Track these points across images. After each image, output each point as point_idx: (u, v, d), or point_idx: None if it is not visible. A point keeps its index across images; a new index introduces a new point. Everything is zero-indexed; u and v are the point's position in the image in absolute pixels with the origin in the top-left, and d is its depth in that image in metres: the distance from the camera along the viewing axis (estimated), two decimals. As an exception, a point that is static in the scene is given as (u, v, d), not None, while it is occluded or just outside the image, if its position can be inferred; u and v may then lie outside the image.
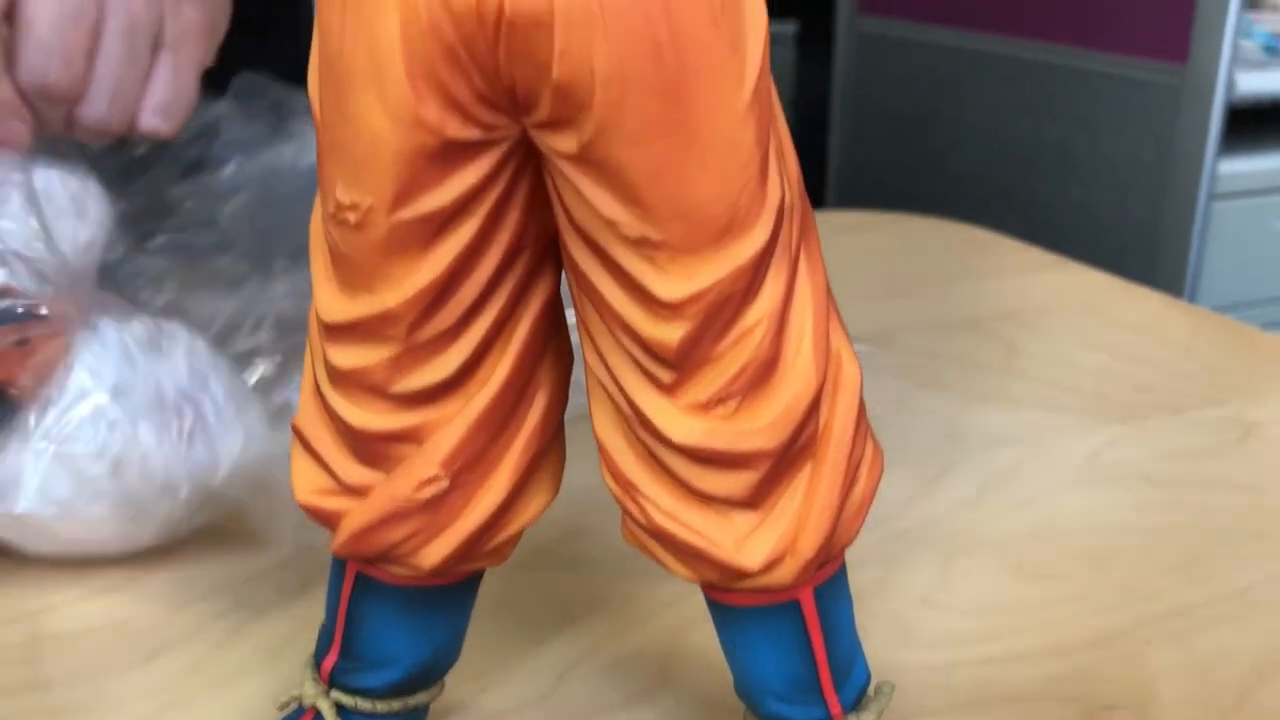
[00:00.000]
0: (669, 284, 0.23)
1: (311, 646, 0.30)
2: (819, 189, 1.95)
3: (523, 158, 0.24)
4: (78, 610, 0.37)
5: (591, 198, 0.23)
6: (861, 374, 0.25)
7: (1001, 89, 1.59)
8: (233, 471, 0.38)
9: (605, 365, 0.25)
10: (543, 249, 0.25)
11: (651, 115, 0.21)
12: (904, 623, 0.36)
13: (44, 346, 0.37)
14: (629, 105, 0.21)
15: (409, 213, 0.23)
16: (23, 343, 0.36)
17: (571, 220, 0.24)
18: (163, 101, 0.45)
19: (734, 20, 0.22)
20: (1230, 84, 1.36)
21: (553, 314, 0.26)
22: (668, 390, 0.24)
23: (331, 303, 0.25)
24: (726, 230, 0.23)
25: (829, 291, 0.25)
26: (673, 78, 0.21)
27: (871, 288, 0.65)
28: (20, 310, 0.37)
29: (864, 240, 0.73)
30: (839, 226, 0.76)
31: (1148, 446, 0.47)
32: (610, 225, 0.23)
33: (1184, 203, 1.41)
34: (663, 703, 0.33)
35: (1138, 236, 1.46)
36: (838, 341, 0.25)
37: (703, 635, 0.35)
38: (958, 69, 1.65)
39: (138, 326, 0.39)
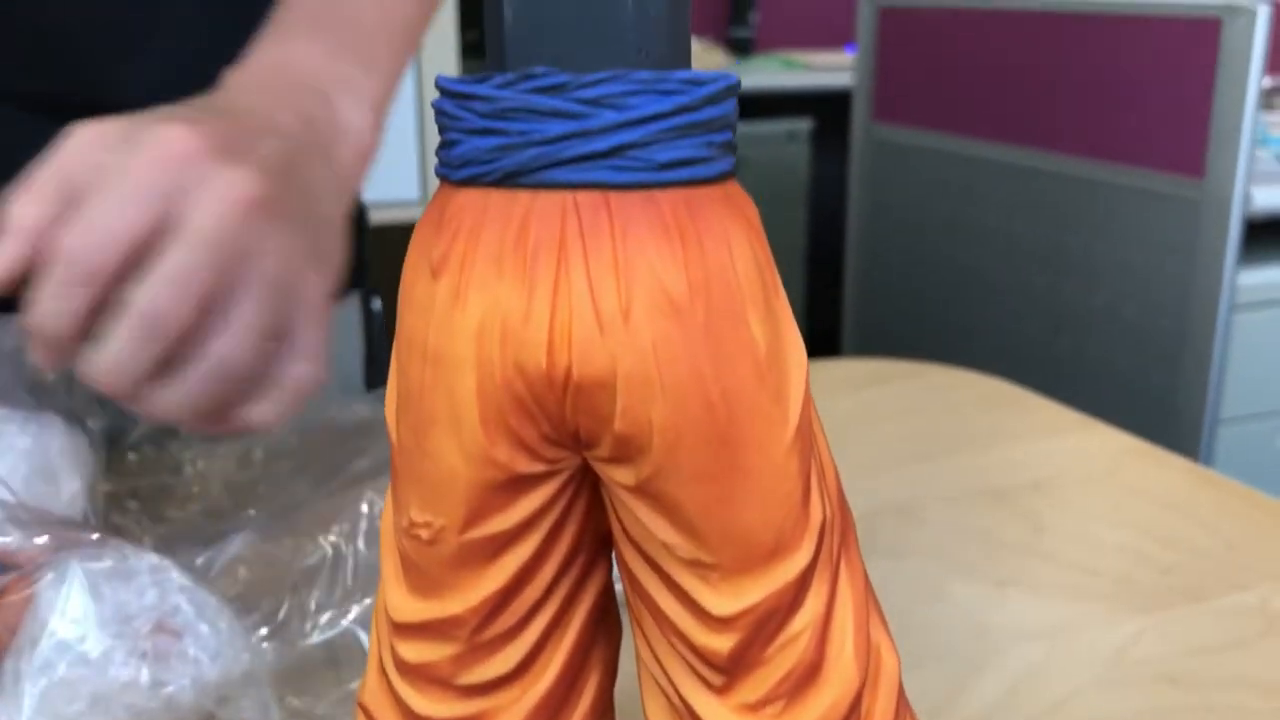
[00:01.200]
0: (720, 600, 0.25)
1: None
2: (835, 290, 1.98)
3: (580, 479, 0.26)
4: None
5: (648, 522, 0.25)
6: (899, 664, 0.27)
7: (1018, 197, 1.62)
8: (207, 685, 0.39)
9: (659, 663, 0.27)
10: (595, 550, 0.27)
11: (704, 459, 0.24)
12: None
13: (14, 594, 0.39)
14: (683, 451, 0.23)
15: (477, 533, 0.25)
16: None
17: (628, 535, 0.26)
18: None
19: (777, 372, 0.24)
20: (1247, 199, 1.39)
21: (604, 603, 0.28)
22: (719, 691, 0.26)
23: (402, 604, 0.27)
24: (774, 553, 0.25)
25: (869, 589, 0.27)
26: (723, 427, 0.23)
27: (898, 451, 0.66)
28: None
29: (887, 395, 0.75)
30: (861, 379, 0.78)
31: (1172, 643, 0.48)
32: (665, 547, 0.25)
33: (1206, 313, 1.43)
34: None
35: (1162, 345, 1.48)
36: (877, 636, 0.27)
37: None
38: (973, 176, 1.69)
39: (105, 559, 0.40)
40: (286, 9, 0.50)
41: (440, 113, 0.24)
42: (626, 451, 0.24)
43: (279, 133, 0.42)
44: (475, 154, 0.23)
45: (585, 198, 0.23)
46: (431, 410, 0.24)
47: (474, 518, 0.25)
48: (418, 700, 0.28)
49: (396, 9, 0.53)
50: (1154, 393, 1.49)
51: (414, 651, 0.27)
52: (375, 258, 0.87)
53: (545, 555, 0.26)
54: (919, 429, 0.70)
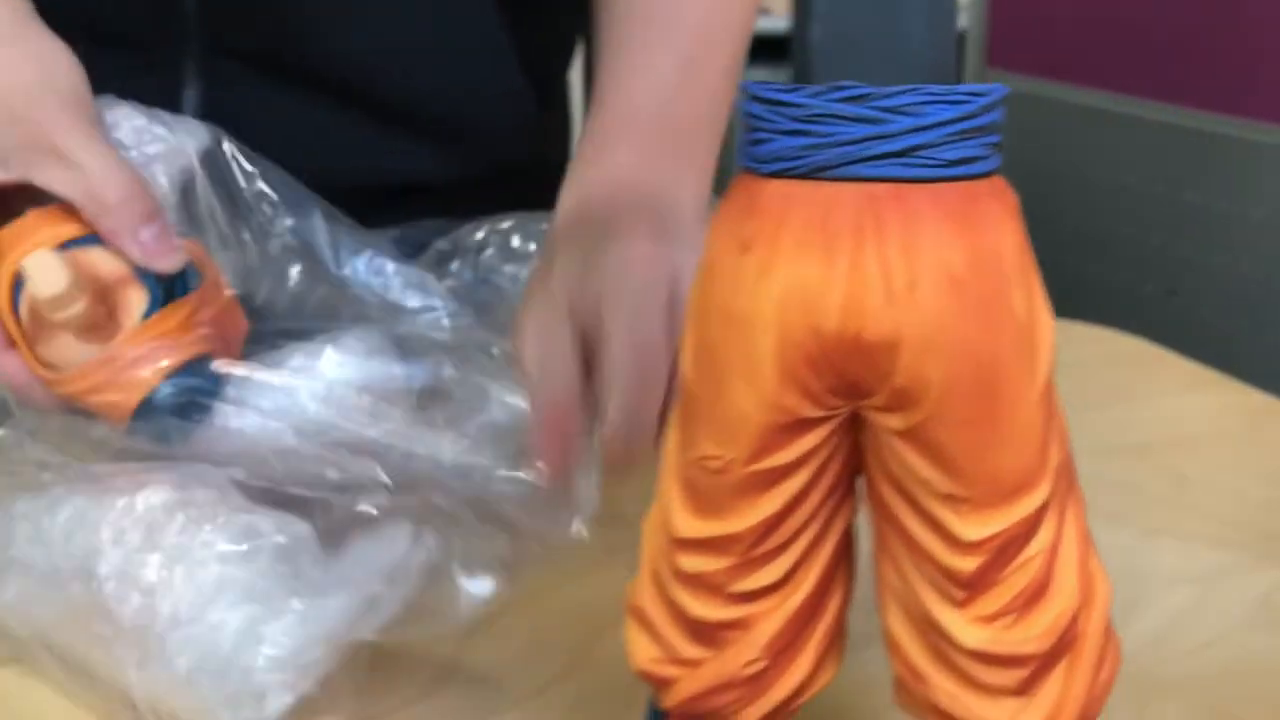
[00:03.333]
0: (968, 529, 0.30)
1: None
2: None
3: (848, 424, 0.31)
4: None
5: (910, 462, 0.30)
6: (1111, 591, 0.32)
7: (1135, 151, 1.63)
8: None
9: (903, 579, 0.32)
10: (849, 485, 0.33)
11: (969, 410, 0.29)
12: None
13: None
14: (952, 402, 0.29)
15: (760, 466, 0.31)
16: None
17: (887, 471, 0.31)
18: None
19: (1031, 338, 0.29)
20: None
21: (849, 533, 0.34)
22: (959, 605, 0.31)
23: (685, 522, 0.33)
24: (1017, 490, 0.30)
25: (1086, 527, 0.32)
26: (986, 384, 0.28)
27: (1038, 404, 0.71)
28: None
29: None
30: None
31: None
32: (923, 482, 0.30)
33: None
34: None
35: (1280, 307, 1.49)
36: (1094, 565, 0.32)
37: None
38: (1088, 128, 1.69)
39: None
40: (604, 113, 0.53)
41: (751, 115, 0.29)
42: (901, 402, 0.29)
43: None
44: (785, 151, 0.28)
45: (881, 189, 0.28)
46: (730, 363, 0.30)
47: (759, 453, 0.31)
48: (693, 605, 0.33)
49: (715, 88, 0.55)
50: (1273, 352, 1.50)
51: (693, 563, 0.33)
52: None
53: (813, 486, 0.32)
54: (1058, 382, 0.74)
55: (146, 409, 0.44)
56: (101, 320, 0.45)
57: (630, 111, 0.53)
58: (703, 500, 0.32)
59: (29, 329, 0.46)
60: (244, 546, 0.38)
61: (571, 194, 0.51)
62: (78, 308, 0.44)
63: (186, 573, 0.37)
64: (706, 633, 0.34)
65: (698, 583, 0.33)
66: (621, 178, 0.51)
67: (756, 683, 0.34)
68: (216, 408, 0.43)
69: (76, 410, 0.46)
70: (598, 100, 0.54)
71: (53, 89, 0.48)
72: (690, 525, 0.33)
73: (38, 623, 0.41)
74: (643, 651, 0.35)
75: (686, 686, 0.34)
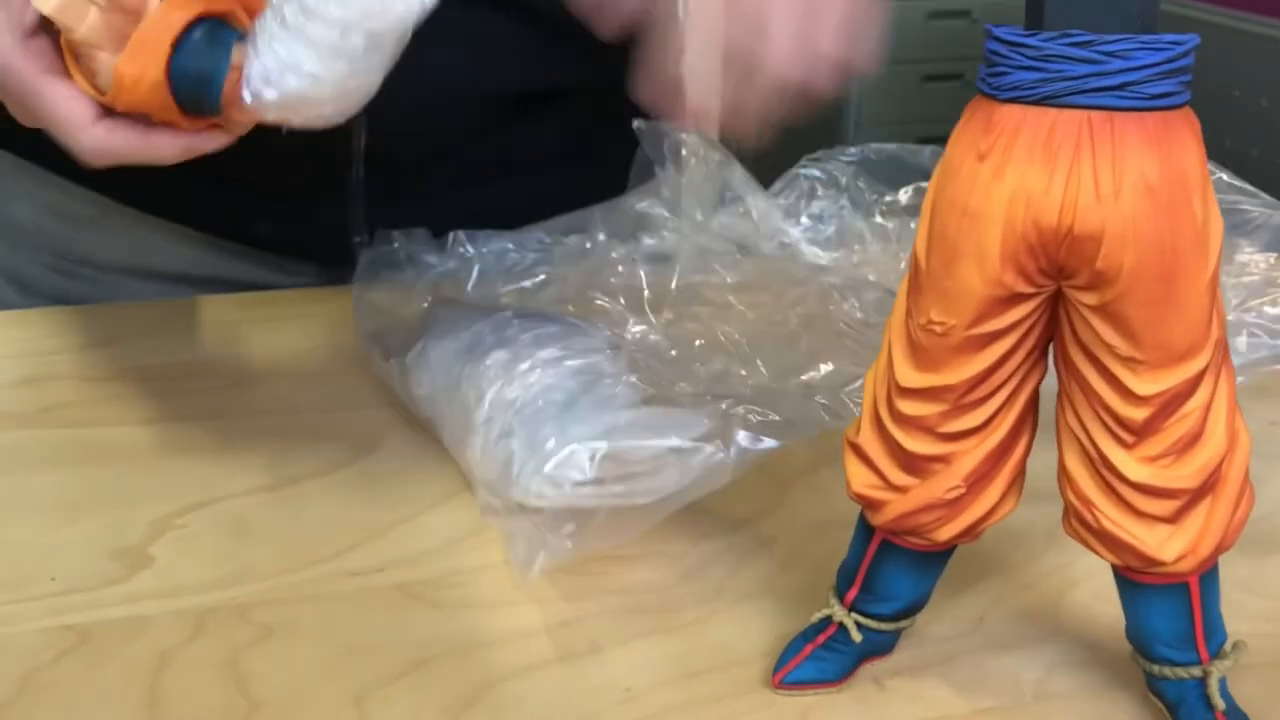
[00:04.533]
0: (1142, 385, 0.39)
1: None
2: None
3: (1051, 300, 0.40)
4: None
5: (1099, 330, 0.38)
6: (1250, 443, 0.41)
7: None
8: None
9: (1081, 424, 0.41)
10: (1042, 351, 0.41)
11: (1153, 290, 0.37)
12: (1230, 604, 0.51)
13: None
14: (1139, 284, 0.37)
15: (976, 331, 0.40)
16: None
17: (1077, 338, 0.40)
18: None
19: (1205, 235, 0.37)
20: None
21: (1036, 391, 0.42)
22: (1128, 447, 0.40)
23: (908, 374, 0.42)
24: (1184, 356, 0.38)
25: (1235, 391, 0.40)
26: (1169, 269, 0.37)
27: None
28: None
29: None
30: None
31: None
32: (1108, 347, 0.39)
33: None
34: (1060, 642, 0.49)
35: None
36: (1239, 422, 0.40)
37: (1080, 596, 0.51)
38: (1255, 54, 1.68)
39: None
40: None
41: (992, 52, 0.37)
42: (1098, 283, 0.37)
43: None
44: (1020, 82, 0.36)
45: (1096, 115, 0.36)
46: (960, 248, 0.38)
47: (978, 320, 0.39)
48: (908, 441, 0.42)
49: None
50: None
51: (911, 408, 0.42)
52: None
53: (1017, 348, 0.40)
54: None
55: (179, 57, 0.47)
56: (129, 28, 0.46)
57: None
58: (924, 357, 0.41)
59: (76, 66, 0.48)
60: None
61: None
62: (91, 18, 0.46)
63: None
64: (916, 464, 0.43)
65: (913, 424, 0.42)
66: None
67: (954, 506, 0.43)
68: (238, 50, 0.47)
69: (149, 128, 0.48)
70: None
71: None
72: (912, 377, 0.42)
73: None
74: (860, 478, 0.44)
75: (896, 507, 0.43)
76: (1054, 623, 0.50)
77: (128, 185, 0.74)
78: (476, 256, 0.67)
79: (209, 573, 0.52)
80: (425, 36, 0.47)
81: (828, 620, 0.47)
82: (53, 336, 0.72)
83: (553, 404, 0.50)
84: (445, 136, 0.75)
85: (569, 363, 0.52)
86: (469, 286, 0.67)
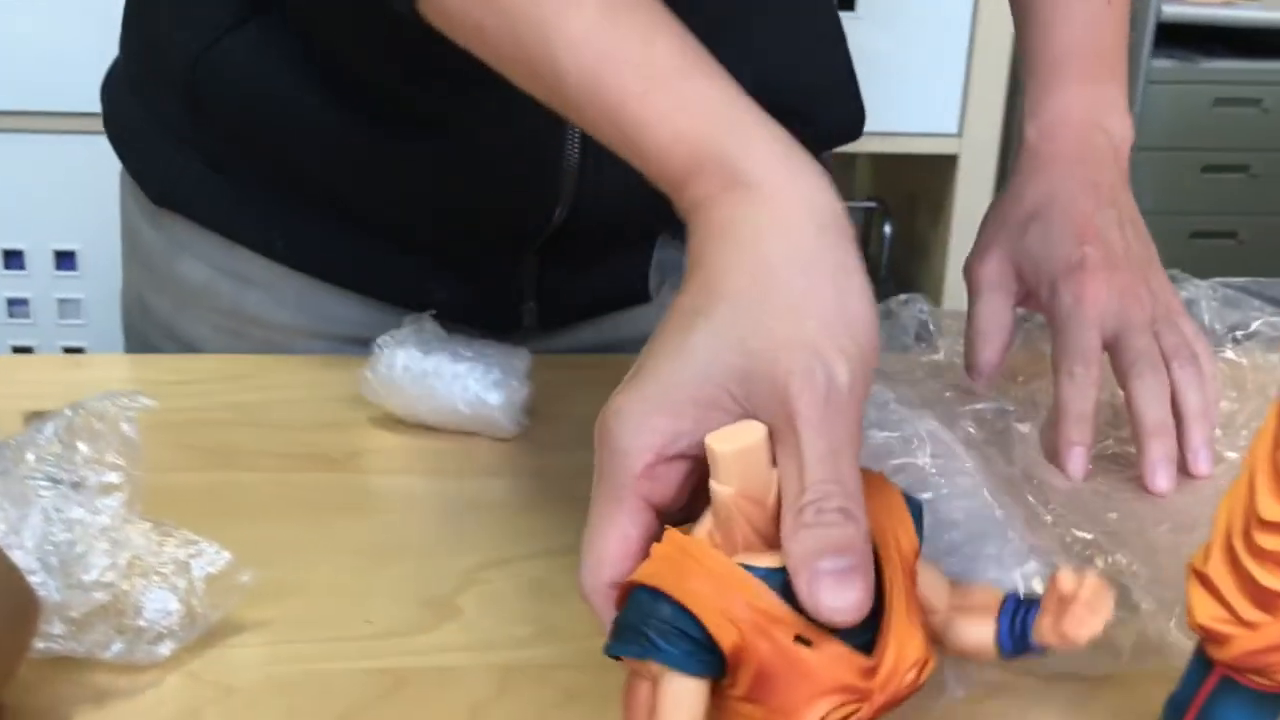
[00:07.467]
0: None
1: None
2: None
3: None
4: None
5: None
6: None
7: None
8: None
9: None
10: None
11: None
12: None
13: None
14: None
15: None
16: None
17: None
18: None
19: None
20: None
21: None
22: None
23: (1271, 508, 0.41)
24: None
25: None
26: None
27: None
28: None
29: None
30: None
31: None
32: None
33: None
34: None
35: None
36: None
37: None
38: None
39: None
40: (1043, 48, 0.65)
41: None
42: None
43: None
44: None
45: None
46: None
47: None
48: (1264, 576, 0.41)
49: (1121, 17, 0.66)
50: None
51: (1273, 543, 0.41)
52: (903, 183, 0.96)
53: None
54: None
55: None
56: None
57: (1070, 43, 0.65)
58: (1292, 491, 0.40)
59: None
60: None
61: (1032, 126, 0.65)
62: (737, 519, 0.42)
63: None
64: (1271, 601, 0.41)
65: (1273, 559, 0.41)
66: (1071, 112, 0.64)
67: (1312, 648, 0.41)
68: None
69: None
70: (1035, 37, 0.67)
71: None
72: (1275, 510, 0.41)
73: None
74: (1205, 610, 0.43)
75: (1244, 644, 0.42)
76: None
77: (303, 252, 0.79)
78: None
79: (514, 630, 0.55)
80: None
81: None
82: (344, 384, 0.74)
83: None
84: (635, 224, 0.78)
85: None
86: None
